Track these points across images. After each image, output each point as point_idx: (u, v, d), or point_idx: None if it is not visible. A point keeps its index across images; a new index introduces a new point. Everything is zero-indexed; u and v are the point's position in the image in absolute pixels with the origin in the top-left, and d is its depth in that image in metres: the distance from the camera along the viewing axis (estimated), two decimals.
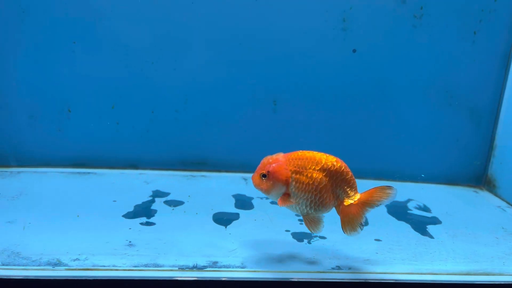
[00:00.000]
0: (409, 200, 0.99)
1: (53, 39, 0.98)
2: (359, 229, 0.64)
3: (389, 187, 0.63)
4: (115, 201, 0.87)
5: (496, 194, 1.06)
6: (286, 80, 1.05)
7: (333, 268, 0.68)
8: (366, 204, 0.64)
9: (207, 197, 0.93)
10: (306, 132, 1.08)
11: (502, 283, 0.68)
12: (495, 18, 1.01)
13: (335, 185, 0.64)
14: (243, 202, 0.92)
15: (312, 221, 0.66)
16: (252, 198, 0.94)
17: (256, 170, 0.64)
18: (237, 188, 0.99)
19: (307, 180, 0.62)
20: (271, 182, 0.62)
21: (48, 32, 0.97)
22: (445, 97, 1.06)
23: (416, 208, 0.95)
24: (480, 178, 1.11)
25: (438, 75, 1.05)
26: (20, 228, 0.73)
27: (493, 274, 0.69)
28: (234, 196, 0.95)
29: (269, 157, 0.64)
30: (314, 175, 0.63)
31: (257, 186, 0.64)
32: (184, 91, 1.04)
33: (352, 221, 0.64)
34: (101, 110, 1.02)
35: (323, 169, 0.63)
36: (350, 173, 0.65)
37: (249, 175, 1.09)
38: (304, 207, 0.64)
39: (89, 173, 1.02)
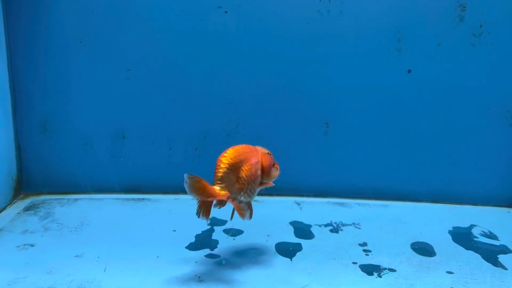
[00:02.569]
0: (472, 226, 0.95)
1: (107, 67, 0.98)
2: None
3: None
4: (175, 230, 0.87)
5: None
6: (339, 101, 1.03)
7: None
8: None
9: (264, 225, 0.92)
10: (358, 154, 1.06)
11: None
12: None
13: None
14: (302, 231, 0.90)
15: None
16: (310, 226, 0.92)
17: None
18: (292, 214, 0.97)
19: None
20: None
21: (103, 60, 0.98)
22: (507, 117, 1.02)
23: (481, 235, 0.92)
24: None
25: (498, 94, 1.01)
26: (89, 261, 0.73)
27: None
28: (291, 223, 0.93)
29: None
30: None
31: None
32: (236, 115, 1.03)
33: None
34: (154, 136, 1.03)
35: None
36: (217, 168, 0.67)
37: (301, 199, 1.08)
38: None
39: (143, 199, 1.01)
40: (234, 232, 0.88)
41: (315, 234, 0.89)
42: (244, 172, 0.68)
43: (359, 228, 0.92)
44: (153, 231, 0.86)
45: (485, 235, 0.92)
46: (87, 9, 0.95)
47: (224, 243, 0.83)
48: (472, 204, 1.06)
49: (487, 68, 1.00)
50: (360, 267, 0.77)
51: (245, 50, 0.99)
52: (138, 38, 0.97)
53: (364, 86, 1.02)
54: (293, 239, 0.86)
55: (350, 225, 0.94)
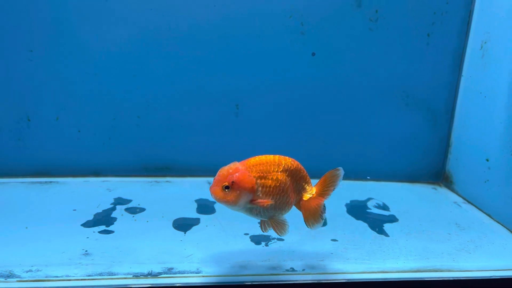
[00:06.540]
0: (369, 199, 1.02)
1: (8, 48, 0.97)
2: (321, 220, 0.67)
3: (336, 169, 0.67)
4: (75, 210, 0.87)
5: (453, 190, 1.10)
6: (248, 83, 1.06)
7: (287, 270, 0.70)
8: (322, 194, 0.68)
9: (169, 203, 0.94)
10: (269, 135, 1.10)
11: (450, 279, 0.71)
12: (447, 20, 1.05)
13: (295, 183, 0.66)
14: (205, 207, 0.93)
15: (278, 224, 0.66)
16: (214, 203, 0.95)
17: (215, 182, 0.60)
18: (201, 193, 1.00)
19: (274, 183, 0.63)
20: (237, 192, 0.60)
21: (3, 41, 0.96)
22: (402, 97, 1.09)
23: (375, 207, 0.98)
24: (439, 175, 1.15)
25: (395, 76, 1.08)
26: None
27: (442, 271, 0.72)
28: (196, 201, 0.96)
29: (226, 167, 0.61)
30: (279, 177, 0.64)
31: (221, 199, 0.60)
32: (146, 96, 1.04)
33: (314, 213, 0.67)
34: (61, 117, 1.02)
35: (285, 170, 0.65)
36: (305, 170, 0.68)
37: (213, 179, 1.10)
38: (271, 210, 0.64)
39: (51, 182, 1.01)
40: (137, 210, 0.89)
41: (216, 210, 0.91)
42: None
43: None
44: (51, 211, 0.86)
45: (378, 207, 0.98)
46: None
47: (122, 220, 0.84)
48: (374, 180, 1.13)
49: (384, 51, 1.06)
50: (250, 238, 0.80)
51: (152, 31, 1.00)
52: (40, 18, 0.96)
53: (271, 67, 1.06)
54: (194, 214, 0.89)
55: None
